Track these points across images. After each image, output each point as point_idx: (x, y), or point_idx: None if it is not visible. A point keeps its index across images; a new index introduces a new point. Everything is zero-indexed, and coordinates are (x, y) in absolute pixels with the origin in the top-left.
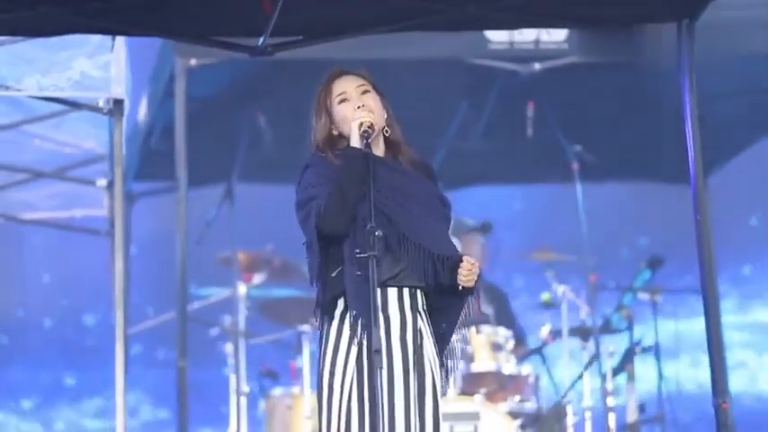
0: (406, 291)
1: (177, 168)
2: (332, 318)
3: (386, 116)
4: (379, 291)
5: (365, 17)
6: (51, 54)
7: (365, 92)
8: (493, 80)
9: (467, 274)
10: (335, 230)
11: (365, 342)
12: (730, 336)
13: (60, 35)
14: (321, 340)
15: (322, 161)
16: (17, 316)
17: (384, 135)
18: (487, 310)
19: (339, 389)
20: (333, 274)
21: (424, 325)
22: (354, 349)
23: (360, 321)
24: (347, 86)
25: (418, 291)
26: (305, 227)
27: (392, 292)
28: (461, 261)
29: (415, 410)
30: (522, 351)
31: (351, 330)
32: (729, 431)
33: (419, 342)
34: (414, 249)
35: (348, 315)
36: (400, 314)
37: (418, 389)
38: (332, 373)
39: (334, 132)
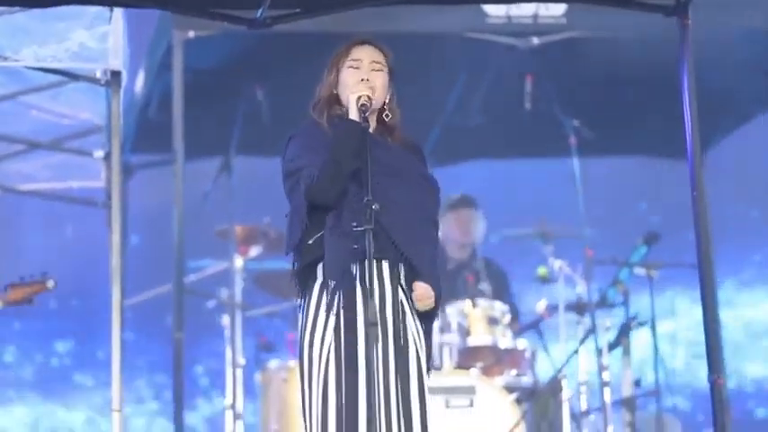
0: (385, 264)
1: (174, 141)
2: (310, 288)
3: (388, 98)
4: (357, 263)
5: None
6: (49, 25)
7: (377, 69)
8: (490, 54)
9: (420, 299)
10: (326, 200)
11: (343, 313)
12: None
13: (58, 6)
14: (300, 311)
15: (309, 132)
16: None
17: (380, 115)
18: (485, 286)
19: (318, 360)
20: (310, 242)
21: (406, 299)
22: (333, 320)
23: (338, 293)
24: (363, 56)
25: (400, 264)
26: (292, 195)
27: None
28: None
29: (395, 384)
30: (519, 327)
31: (328, 301)
32: (724, 406)
33: (400, 316)
34: (388, 226)
35: (326, 286)
36: (379, 287)
37: (401, 363)
38: (311, 345)
39: (334, 92)
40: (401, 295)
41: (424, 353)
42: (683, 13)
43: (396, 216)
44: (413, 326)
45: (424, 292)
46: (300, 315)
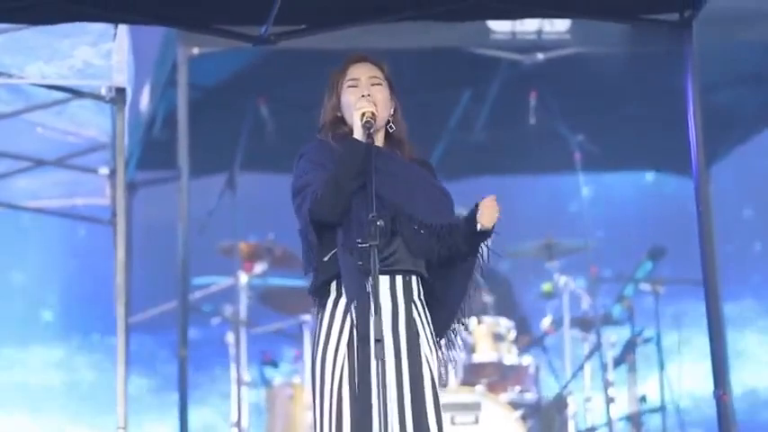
0: (398, 278)
1: (179, 157)
2: (324, 305)
3: (392, 111)
4: (371, 279)
5: (368, 6)
6: (54, 42)
7: (375, 83)
8: (495, 70)
9: (488, 211)
10: (328, 218)
11: (357, 330)
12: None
13: (63, 23)
14: (314, 327)
15: (317, 149)
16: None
17: (387, 130)
18: (488, 298)
19: (330, 376)
20: (325, 259)
21: (419, 315)
22: (346, 337)
23: (352, 308)
24: (360, 74)
25: (413, 277)
26: (299, 214)
27: (383, 280)
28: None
29: (409, 401)
30: (526, 340)
31: (343, 318)
32: (729, 422)
33: (414, 331)
34: (407, 223)
35: (341, 302)
36: (392, 303)
37: (414, 379)
38: (323, 361)
39: (339, 115)
40: (414, 312)
41: (437, 369)
42: (688, 28)
43: (413, 231)
44: (426, 343)
45: (491, 202)
46: (315, 330)
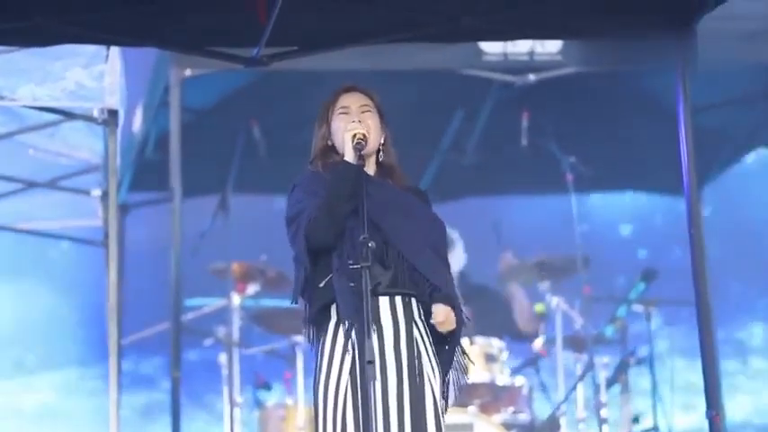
0: (398, 299)
1: (172, 179)
2: (325, 330)
3: (382, 140)
4: (370, 301)
5: (360, 28)
6: (46, 64)
7: (366, 111)
8: (487, 91)
9: (441, 319)
10: (323, 243)
11: (358, 353)
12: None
13: (55, 45)
14: (316, 353)
15: (310, 179)
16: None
17: (378, 158)
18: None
19: (333, 400)
20: (321, 285)
21: (421, 335)
22: (348, 360)
23: (353, 332)
24: (351, 102)
25: (413, 299)
26: (294, 241)
27: (384, 301)
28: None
29: (410, 421)
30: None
31: (344, 342)
32: None
33: (416, 352)
34: (397, 259)
35: (341, 326)
36: (393, 323)
37: (416, 400)
38: (326, 386)
39: (329, 143)
40: (416, 332)
41: (440, 389)
42: (681, 49)
43: (404, 254)
44: (428, 363)
45: (442, 312)
46: (316, 356)
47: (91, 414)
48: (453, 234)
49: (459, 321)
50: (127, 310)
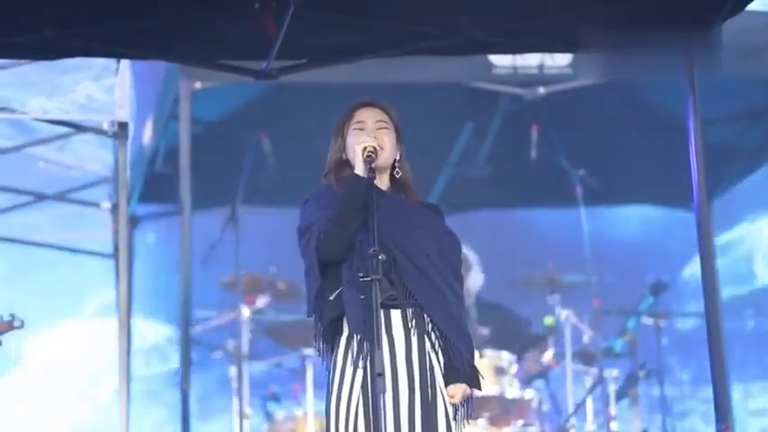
0: (409, 311)
1: (181, 191)
2: (336, 343)
3: (398, 156)
4: (382, 313)
5: (369, 41)
6: (56, 77)
7: (382, 128)
8: (497, 104)
9: (458, 401)
10: (333, 255)
11: (369, 366)
12: None
13: (65, 58)
14: (328, 367)
15: (322, 193)
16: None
17: (394, 174)
18: (485, 331)
19: (345, 414)
20: (331, 297)
21: (433, 347)
22: (360, 374)
23: (364, 345)
24: (367, 117)
25: (424, 312)
26: (305, 253)
27: (395, 314)
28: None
29: (422, 430)
30: (523, 372)
31: (355, 355)
32: None
33: (428, 364)
34: (408, 270)
35: (353, 339)
36: (405, 335)
37: (428, 412)
38: (338, 399)
39: (344, 157)
40: (428, 344)
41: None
42: (690, 62)
43: (415, 271)
44: (441, 376)
45: (460, 394)
46: (329, 369)
47: (100, 427)
48: (470, 256)
49: (472, 356)
50: (137, 322)
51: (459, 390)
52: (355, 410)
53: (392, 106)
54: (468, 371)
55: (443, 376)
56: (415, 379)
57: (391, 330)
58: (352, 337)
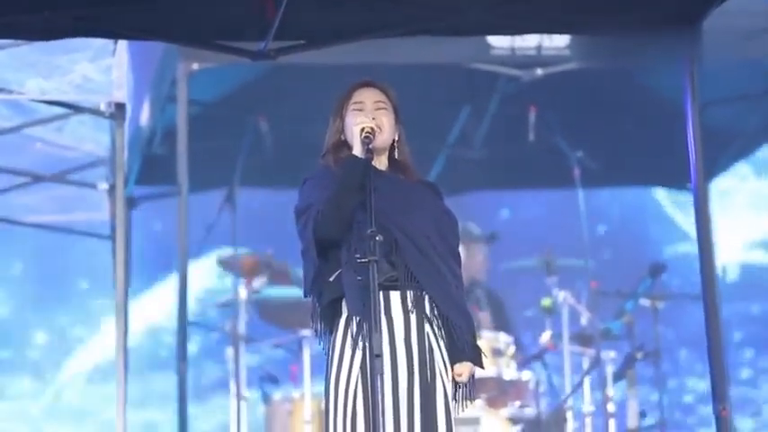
0: (409, 293)
1: (179, 172)
2: (335, 324)
3: (396, 137)
4: (381, 294)
5: (367, 22)
6: (53, 58)
7: (381, 108)
8: (494, 86)
9: (465, 379)
10: (331, 235)
11: (368, 347)
12: None
13: (62, 39)
14: (327, 348)
15: (320, 174)
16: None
17: (392, 155)
18: (484, 315)
19: (344, 395)
20: (330, 279)
21: (432, 330)
22: (359, 355)
23: (363, 327)
24: (366, 98)
25: (423, 293)
26: (303, 234)
27: (395, 296)
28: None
29: (420, 415)
30: (521, 357)
31: (354, 336)
32: None
33: (427, 346)
34: (409, 248)
35: (352, 321)
36: (404, 317)
37: (427, 394)
38: (337, 380)
39: (342, 138)
40: (427, 326)
41: (450, 384)
42: (688, 45)
43: (416, 252)
44: (440, 358)
45: (468, 372)
46: (328, 350)
47: (99, 405)
48: (474, 228)
49: (480, 360)
50: (134, 303)
51: (466, 368)
52: (354, 391)
53: (391, 87)
54: (471, 350)
55: (447, 357)
56: (414, 361)
57: (390, 312)
58: (352, 318)
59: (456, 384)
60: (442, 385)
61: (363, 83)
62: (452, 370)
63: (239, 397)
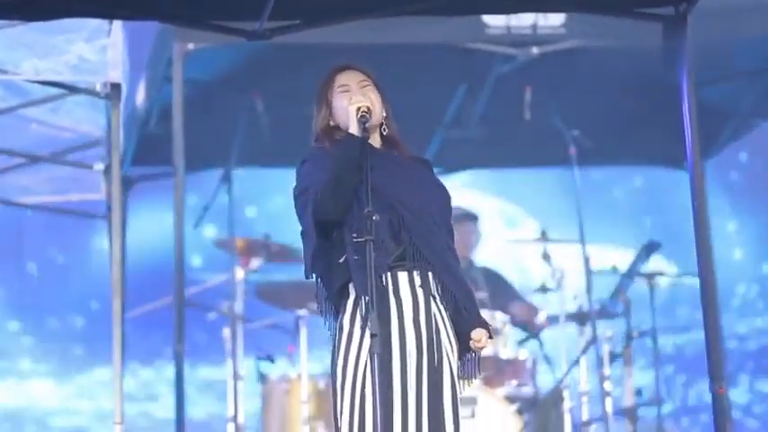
0: (415, 273)
1: (174, 153)
2: (344, 307)
3: (384, 114)
4: (389, 274)
5: (363, 2)
6: (49, 38)
7: (366, 86)
8: (490, 65)
9: (482, 345)
10: (331, 216)
11: (370, 327)
12: None
13: (58, 19)
14: (334, 329)
15: (318, 154)
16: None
17: (381, 132)
18: (482, 295)
19: (352, 377)
20: (340, 260)
21: (439, 310)
22: (368, 337)
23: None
24: (349, 80)
25: (429, 273)
26: (302, 215)
27: (402, 275)
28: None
29: (428, 392)
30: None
31: (364, 317)
32: (726, 416)
33: (434, 326)
34: (414, 222)
35: (360, 302)
36: (412, 296)
37: (434, 374)
38: (345, 362)
39: (332, 123)
40: (434, 306)
41: (456, 365)
42: (683, 23)
43: (418, 227)
44: (446, 339)
45: (483, 337)
46: (336, 332)
47: (95, 387)
48: (477, 227)
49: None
50: (130, 284)
51: (483, 333)
52: (363, 373)
53: (372, 67)
54: (481, 321)
55: (452, 337)
56: (423, 341)
57: (399, 292)
58: (360, 299)
59: (463, 359)
60: (449, 365)
61: (342, 66)
62: (469, 339)
63: (236, 377)
